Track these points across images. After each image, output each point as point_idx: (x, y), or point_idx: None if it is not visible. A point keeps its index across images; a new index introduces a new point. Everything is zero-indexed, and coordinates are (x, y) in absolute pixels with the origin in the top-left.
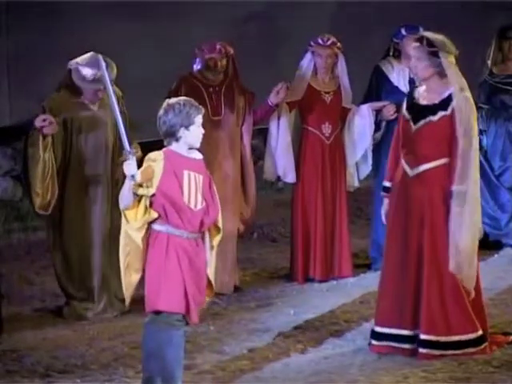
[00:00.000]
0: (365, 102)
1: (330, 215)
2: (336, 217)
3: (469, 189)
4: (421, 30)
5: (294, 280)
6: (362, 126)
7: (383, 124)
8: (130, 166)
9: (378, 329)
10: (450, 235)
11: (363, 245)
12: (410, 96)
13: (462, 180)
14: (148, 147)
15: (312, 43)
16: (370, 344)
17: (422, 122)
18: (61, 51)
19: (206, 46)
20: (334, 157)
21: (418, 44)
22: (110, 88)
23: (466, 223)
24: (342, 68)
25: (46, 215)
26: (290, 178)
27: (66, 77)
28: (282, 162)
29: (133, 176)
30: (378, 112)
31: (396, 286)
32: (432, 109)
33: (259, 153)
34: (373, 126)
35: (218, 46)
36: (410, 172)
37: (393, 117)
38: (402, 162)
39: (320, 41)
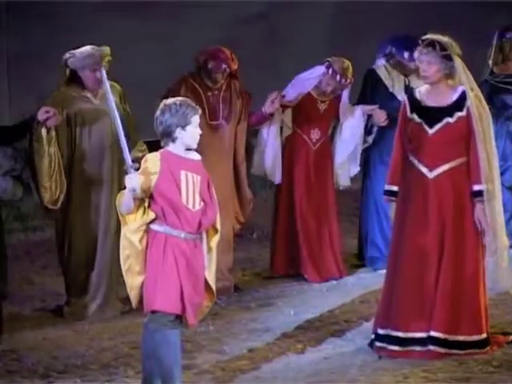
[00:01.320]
0: (358, 104)
1: (314, 218)
2: (322, 219)
3: (495, 186)
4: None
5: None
6: (351, 125)
7: (375, 128)
8: (131, 180)
9: (401, 334)
10: (485, 231)
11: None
12: (412, 99)
13: (488, 178)
14: (147, 147)
15: (331, 71)
16: (377, 348)
17: (439, 125)
18: (61, 51)
19: (213, 60)
20: (319, 162)
21: (429, 49)
22: (111, 98)
23: (499, 218)
24: (346, 91)
25: (53, 213)
26: (277, 179)
27: (63, 70)
28: (269, 163)
29: (134, 190)
30: (369, 116)
31: (417, 289)
32: (446, 110)
33: None
34: (363, 128)
35: (223, 66)
36: (430, 174)
37: (384, 123)
38: (417, 164)
39: (338, 78)
